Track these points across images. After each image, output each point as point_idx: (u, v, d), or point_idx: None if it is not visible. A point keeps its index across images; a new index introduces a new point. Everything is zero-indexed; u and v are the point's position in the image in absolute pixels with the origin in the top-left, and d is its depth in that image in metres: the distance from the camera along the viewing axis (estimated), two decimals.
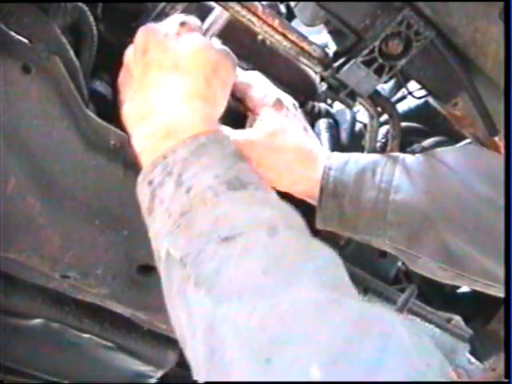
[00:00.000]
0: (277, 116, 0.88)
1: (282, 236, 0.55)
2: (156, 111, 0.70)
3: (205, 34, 0.82)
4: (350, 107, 1.05)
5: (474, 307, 1.31)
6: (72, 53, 0.75)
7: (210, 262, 0.54)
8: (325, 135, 1.16)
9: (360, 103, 0.97)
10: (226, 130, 0.84)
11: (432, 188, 0.83)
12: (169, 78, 0.72)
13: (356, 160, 0.87)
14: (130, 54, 0.78)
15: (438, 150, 0.91)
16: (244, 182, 0.61)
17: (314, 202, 0.88)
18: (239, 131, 0.86)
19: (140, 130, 0.71)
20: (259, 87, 0.92)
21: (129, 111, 0.74)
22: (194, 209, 0.59)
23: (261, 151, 0.84)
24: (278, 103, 0.90)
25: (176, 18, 0.78)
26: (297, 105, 0.94)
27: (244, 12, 0.80)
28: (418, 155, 0.91)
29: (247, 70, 1.01)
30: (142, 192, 0.67)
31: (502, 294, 0.90)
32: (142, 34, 0.76)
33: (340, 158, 0.87)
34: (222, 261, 0.54)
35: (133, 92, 0.74)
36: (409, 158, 0.87)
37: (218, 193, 0.60)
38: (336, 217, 0.85)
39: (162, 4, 0.83)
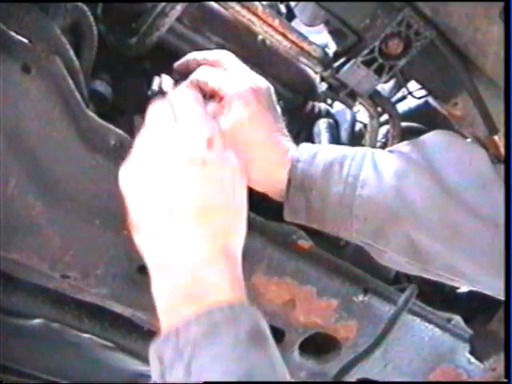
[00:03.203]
0: (246, 107, 0.83)
1: None
2: (184, 259, 0.66)
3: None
4: (350, 107, 1.05)
5: (474, 307, 1.31)
6: (72, 53, 0.75)
7: None
8: (325, 135, 1.16)
9: (360, 103, 0.97)
10: None
11: (399, 183, 0.83)
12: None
13: (325, 152, 0.85)
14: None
15: (411, 142, 0.90)
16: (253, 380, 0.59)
17: (277, 198, 0.87)
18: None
19: (160, 280, 0.67)
20: (230, 71, 0.86)
21: (152, 239, 0.68)
22: None
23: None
24: (249, 93, 0.84)
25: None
26: (271, 89, 0.88)
27: (244, 12, 0.80)
28: (388, 149, 0.90)
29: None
30: (153, 364, 0.64)
31: (464, 287, 0.90)
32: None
33: (309, 149, 0.85)
34: None
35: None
36: (378, 152, 0.86)
37: None
38: (303, 210, 0.85)
39: (162, 4, 0.83)
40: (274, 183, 0.85)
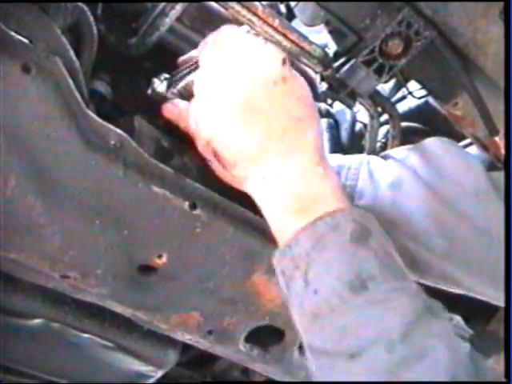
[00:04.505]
0: None
1: (399, 350, 0.61)
2: (285, 176, 0.70)
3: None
4: (350, 107, 1.05)
5: (474, 307, 1.31)
6: (72, 53, 0.75)
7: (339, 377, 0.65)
8: (325, 135, 1.16)
9: (360, 103, 0.97)
10: None
11: (395, 193, 0.83)
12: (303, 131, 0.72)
13: None
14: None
15: (408, 148, 0.90)
16: (364, 280, 0.64)
17: None
18: None
19: (268, 201, 0.72)
20: None
21: (248, 151, 0.72)
22: (324, 315, 0.65)
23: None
24: None
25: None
26: None
27: (244, 12, 0.80)
28: (385, 153, 0.90)
29: None
30: (279, 278, 0.71)
31: (464, 293, 0.91)
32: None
33: None
34: (350, 378, 0.64)
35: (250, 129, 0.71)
36: (373, 161, 0.86)
37: (342, 298, 0.64)
38: None
39: (162, 4, 0.83)
40: None
